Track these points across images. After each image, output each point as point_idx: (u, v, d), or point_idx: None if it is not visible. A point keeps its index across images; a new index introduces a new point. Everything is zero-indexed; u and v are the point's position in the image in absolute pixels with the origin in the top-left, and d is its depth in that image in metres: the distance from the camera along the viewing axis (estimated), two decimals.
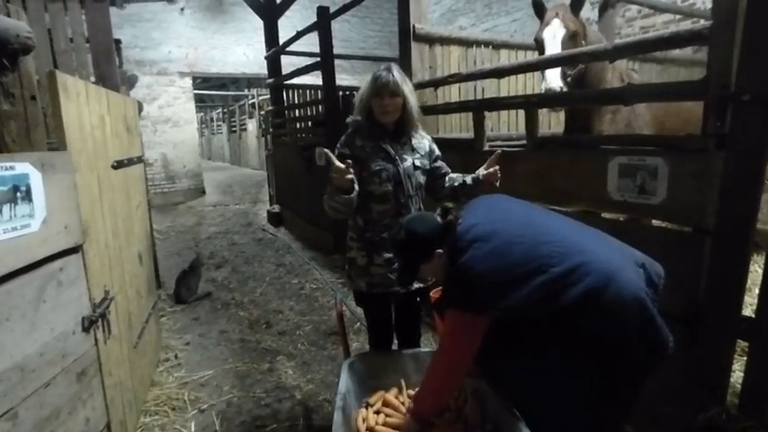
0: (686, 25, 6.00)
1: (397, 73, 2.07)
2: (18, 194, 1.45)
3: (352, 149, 2.14)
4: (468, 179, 2.16)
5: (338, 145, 2.19)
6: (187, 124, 10.91)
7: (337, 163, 1.88)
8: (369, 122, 2.14)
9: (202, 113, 26.24)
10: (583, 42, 2.98)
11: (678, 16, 6.35)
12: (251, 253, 6.26)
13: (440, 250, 1.64)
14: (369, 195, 2.12)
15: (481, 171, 2.10)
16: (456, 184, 2.22)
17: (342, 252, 5.44)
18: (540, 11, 3.10)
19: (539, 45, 3.06)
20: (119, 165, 2.48)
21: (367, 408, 1.99)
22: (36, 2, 2.82)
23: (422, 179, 2.23)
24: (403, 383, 2.07)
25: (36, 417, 1.57)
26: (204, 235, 7.46)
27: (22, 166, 1.47)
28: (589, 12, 7.79)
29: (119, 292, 2.29)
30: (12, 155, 1.50)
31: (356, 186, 1.98)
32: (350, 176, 1.90)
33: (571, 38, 2.92)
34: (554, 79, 2.83)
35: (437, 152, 2.31)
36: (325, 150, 1.95)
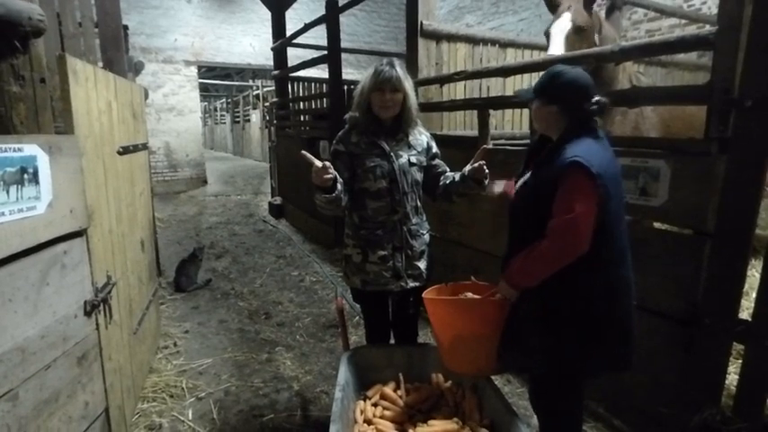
0: (692, 29, 5.99)
1: (399, 68, 2.06)
2: (25, 176, 1.47)
3: (347, 146, 2.13)
4: (457, 176, 2.12)
5: (334, 141, 2.19)
6: (191, 113, 10.91)
7: (315, 162, 1.85)
8: (367, 117, 2.12)
9: (206, 103, 26.21)
10: (596, 38, 2.96)
11: (684, 20, 6.34)
12: (251, 244, 6.28)
13: (554, 106, 1.62)
14: (364, 192, 2.12)
15: (467, 168, 2.04)
16: (447, 182, 2.18)
17: (342, 246, 5.45)
18: (551, 5, 3.10)
19: (547, 38, 3.06)
20: (124, 151, 2.49)
21: (365, 400, 2.01)
22: None
23: (418, 176, 2.19)
24: (401, 377, 2.09)
25: (36, 399, 1.58)
26: (205, 224, 7.48)
27: (30, 148, 1.48)
28: None
29: (121, 278, 2.30)
30: (20, 136, 1.51)
31: (339, 186, 1.96)
32: (328, 176, 1.87)
33: (576, 32, 2.91)
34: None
35: (435, 149, 2.28)
36: (303, 152, 1.91)
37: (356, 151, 2.11)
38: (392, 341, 2.44)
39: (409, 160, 2.15)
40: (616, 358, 1.65)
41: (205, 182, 11.47)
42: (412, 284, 2.20)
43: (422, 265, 2.23)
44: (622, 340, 1.62)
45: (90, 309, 1.86)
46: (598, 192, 1.46)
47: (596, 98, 1.59)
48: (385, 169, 2.09)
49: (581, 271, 1.52)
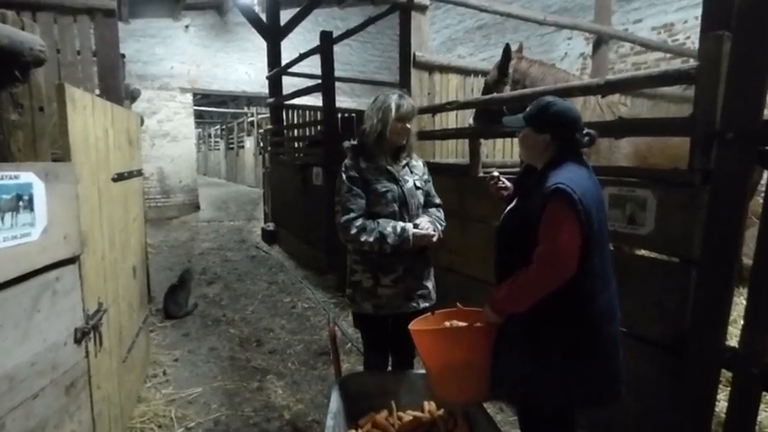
0: (676, 63, 6.18)
1: (412, 100, 2.21)
2: (20, 203, 1.47)
3: (360, 172, 2.18)
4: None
5: (344, 168, 2.22)
6: (185, 139, 10.98)
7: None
8: (378, 144, 2.19)
9: (200, 129, 26.36)
10: (506, 88, 3.49)
11: (669, 54, 6.52)
12: (244, 270, 6.25)
13: (547, 135, 1.65)
14: (376, 216, 2.16)
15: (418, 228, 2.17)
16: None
17: (334, 272, 5.45)
18: None
19: None
20: (119, 177, 2.51)
21: (357, 429, 1.99)
22: (46, 15, 2.91)
23: (422, 199, 2.30)
24: (393, 405, 2.08)
25: (22, 428, 1.55)
26: (197, 250, 7.44)
27: (27, 176, 1.50)
28: (584, 47, 8.01)
29: (112, 305, 2.29)
30: (17, 164, 1.53)
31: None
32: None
33: (486, 86, 3.73)
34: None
35: (428, 176, 2.39)
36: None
37: (367, 176, 2.17)
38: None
39: (415, 184, 2.26)
40: (600, 390, 1.62)
41: (198, 207, 11.45)
42: (423, 305, 2.26)
43: (429, 284, 2.32)
44: (606, 371, 1.60)
45: (80, 336, 1.84)
46: (580, 217, 1.48)
47: (587, 130, 1.64)
48: (395, 193, 2.18)
49: (563, 297, 1.53)
